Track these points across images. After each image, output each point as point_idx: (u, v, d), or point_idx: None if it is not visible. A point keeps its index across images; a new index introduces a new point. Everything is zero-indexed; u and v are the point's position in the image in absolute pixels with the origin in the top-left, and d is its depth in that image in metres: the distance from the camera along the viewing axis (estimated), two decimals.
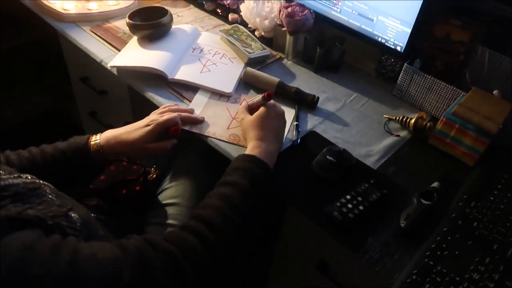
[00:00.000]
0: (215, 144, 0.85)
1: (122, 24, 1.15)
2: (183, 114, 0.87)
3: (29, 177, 0.62)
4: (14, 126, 1.84)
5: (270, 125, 0.80)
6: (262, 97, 0.81)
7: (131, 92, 1.22)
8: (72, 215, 0.59)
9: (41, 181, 0.63)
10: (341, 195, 0.74)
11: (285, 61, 1.12)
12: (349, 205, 0.72)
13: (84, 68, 1.36)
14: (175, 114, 0.85)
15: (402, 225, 0.71)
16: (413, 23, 0.92)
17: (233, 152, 0.83)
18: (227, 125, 0.89)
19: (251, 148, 0.77)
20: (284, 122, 0.84)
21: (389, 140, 0.91)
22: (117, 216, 0.90)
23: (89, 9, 1.16)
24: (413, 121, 0.91)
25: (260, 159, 0.73)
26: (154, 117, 0.84)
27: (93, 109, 1.53)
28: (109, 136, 0.82)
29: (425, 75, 0.96)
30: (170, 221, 0.85)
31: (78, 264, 0.48)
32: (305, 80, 1.05)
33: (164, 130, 0.83)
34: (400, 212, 0.73)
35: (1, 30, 1.73)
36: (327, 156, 0.79)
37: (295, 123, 0.90)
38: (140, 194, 0.91)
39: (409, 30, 0.94)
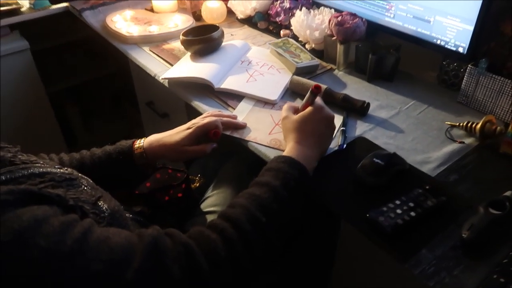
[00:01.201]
0: (255, 149, 0.82)
1: (178, 44, 1.20)
2: (225, 118, 0.86)
3: (69, 169, 0.64)
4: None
5: (313, 129, 0.75)
6: (310, 90, 0.76)
7: (189, 113, 1.26)
8: (100, 204, 0.59)
9: (80, 174, 0.65)
10: (389, 201, 0.66)
11: (336, 71, 1.08)
12: (398, 211, 0.63)
13: (149, 93, 1.45)
14: (216, 118, 0.84)
15: (465, 236, 0.60)
16: (475, 20, 0.84)
17: (275, 155, 0.79)
18: (269, 130, 0.86)
19: (288, 150, 0.72)
20: (332, 128, 0.78)
21: (451, 147, 0.80)
22: (156, 221, 0.90)
23: (150, 31, 1.24)
24: (479, 125, 0.80)
25: (295, 160, 0.68)
26: (195, 121, 0.84)
27: (157, 132, 1.60)
28: (152, 140, 0.83)
29: (494, 76, 0.85)
30: None
31: (87, 244, 0.46)
32: (356, 89, 0.99)
33: (204, 133, 0.82)
34: (463, 223, 0.63)
35: (83, 64, 1.93)
36: (374, 159, 0.71)
37: (341, 128, 0.85)
38: (182, 201, 0.90)
39: (471, 28, 0.85)
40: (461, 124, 0.84)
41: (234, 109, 0.93)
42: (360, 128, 0.86)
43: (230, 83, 0.98)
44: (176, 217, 0.91)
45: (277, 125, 0.87)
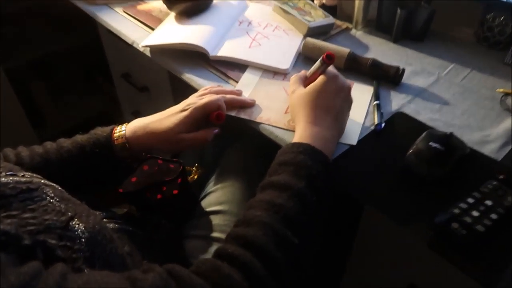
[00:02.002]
0: (269, 133, 0.65)
1: (158, 3, 0.99)
2: (228, 96, 0.68)
3: (28, 175, 0.46)
4: (64, 131, 1.78)
5: (329, 103, 0.58)
6: (320, 60, 0.60)
7: (174, 87, 1.07)
8: (75, 226, 0.42)
9: (42, 181, 0.47)
10: (458, 199, 0.50)
11: (353, 31, 0.89)
12: (475, 213, 0.48)
13: (125, 63, 1.24)
14: (218, 96, 0.66)
15: None
16: None
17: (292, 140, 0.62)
18: (284, 108, 0.69)
19: (301, 133, 0.56)
20: (350, 102, 0.62)
21: (510, 121, 0.65)
22: (149, 226, 0.73)
23: None
24: None
25: (316, 149, 0.52)
26: (191, 101, 0.65)
27: (136, 108, 1.41)
28: (137, 126, 0.65)
29: None
30: (215, 234, 0.66)
31: None
32: (382, 52, 0.82)
33: (204, 116, 0.64)
34: None
35: (46, 34, 1.68)
36: (431, 143, 0.55)
37: (375, 102, 0.68)
38: (179, 199, 0.73)
39: None
40: None
41: (237, 82, 0.74)
42: (396, 101, 0.70)
43: (228, 50, 0.79)
44: (171, 219, 0.74)
45: None
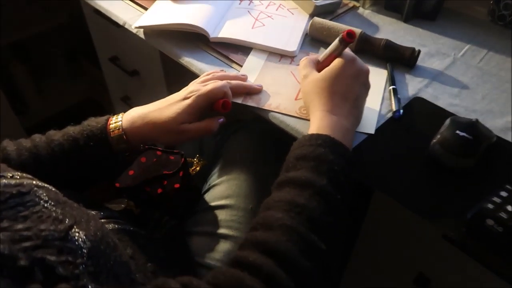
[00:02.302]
0: (280, 121, 0.60)
1: None
2: (233, 82, 0.63)
3: (17, 176, 0.41)
4: (49, 118, 1.70)
5: (347, 89, 0.53)
6: (339, 38, 0.54)
7: (166, 70, 1.00)
8: (75, 235, 0.37)
9: (34, 182, 0.41)
10: (489, 192, 0.47)
11: (361, 10, 0.84)
12: (510, 208, 0.45)
13: (112, 45, 1.16)
14: (223, 82, 0.60)
15: None
16: None
17: (305, 130, 0.58)
18: (294, 94, 0.64)
19: (318, 123, 0.51)
20: (368, 86, 0.57)
21: None
22: (151, 224, 0.68)
23: None
24: None
25: (336, 141, 0.47)
26: (194, 88, 0.60)
27: (125, 93, 1.34)
28: (135, 116, 0.59)
29: None
30: (222, 230, 0.62)
31: None
32: (393, 32, 0.77)
33: (208, 104, 0.59)
34: None
35: (27, 14, 1.57)
36: (457, 132, 0.51)
37: (391, 87, 0.63)
38: (181, 194, 0.68)
39: None
40: None
41: (241, 65, 0.69)
42: (412, 85, 0.65)
43: (230, 31, 0.73)
44: (173, 214, 0.69)
45: None
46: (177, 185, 0.68)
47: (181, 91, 0.62)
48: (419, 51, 0.68)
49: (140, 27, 0.75)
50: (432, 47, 0.73)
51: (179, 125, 0.58)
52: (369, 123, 0.59)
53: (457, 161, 0.50)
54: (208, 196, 0.68)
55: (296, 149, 0.48)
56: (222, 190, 0.66)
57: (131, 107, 1.33)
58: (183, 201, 0.70)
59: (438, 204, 0.48)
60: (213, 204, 0.66)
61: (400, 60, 0.68)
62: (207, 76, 0.64)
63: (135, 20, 0.78)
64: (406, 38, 0.75)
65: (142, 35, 0.77)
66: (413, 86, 0.65)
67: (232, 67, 0.69)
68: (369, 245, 0.71)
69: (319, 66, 0.58)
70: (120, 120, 0.59)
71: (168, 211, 0.69)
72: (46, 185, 0.43)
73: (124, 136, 0.58)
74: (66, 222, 0.37)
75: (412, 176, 0.52)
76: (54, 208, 0.38)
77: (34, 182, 0.42)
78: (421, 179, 0.51)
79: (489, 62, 0.70)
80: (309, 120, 0.59)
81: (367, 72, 0.55)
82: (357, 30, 0.70)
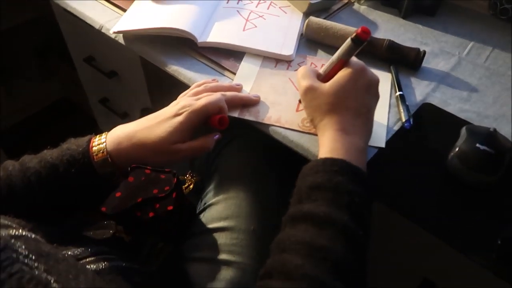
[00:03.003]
0: (282, 137, 0.55)
1: None
2: (229, 93, 0.57)
3: None
4: (19, 123, 1.59)
5: (358, 103, 0.48)
6: (353, 37, 0.47)
7: (147, 70, 0.93)
8: None
9: (11, 231, 0.36)
10: None
11: (356, 6, 0.79)
12: None
13: (88, 46, 1.07)
14: (217, 95, 0.54)
15: None
16: None
17: (311, 146, 0.53)
18: (295, 104, 0.59)
19: (331, 145, 0.46)
20: (378, 97, 0.52)
21: None
22: (145, 252, 0.62)
23: None
24: None
25: (354, 166, 0.43)
26: (186, 102, 0.54)
27: (103, 95, 1.26)
28: (120, 136, 0.53)
29: None
30: (223, 256, 0.57)
31: None
32: (392, 30, 0.73)
33: (202, 120, 0.53)
34: None
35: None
36: (478, 145, 0.47)
37: (397, 93, 0.59)
38: (175, 216, 0.63)
39: None
40: None
41: (234, 73, 0.63)
42: (419, 90, 0.61)
43: (219, 34, 0.67)
44: (168, 238, 0.64)
45: None
46: (170, 207, 0.62)
47: (170, 105, 0.55)
48: (424, 52, 0.63)
49: (118, 32, 0.68)
50: (435, 45, 0.69)
51: (171, 145, 0.52)
52: (378, 135, 0.54)
53: (479, 178, 0.46)
54: (204, 217, 0.62)
55: (308, 175, 0.43)
56: (220, 211, 0.61)
57: (110, 109, 1.26)
58: (178, 223, 0.64)
59: (463, 227, 0.45)
60: (211, 226, 0.60)
61: (404, 62, 0.64)
62: (199, 88, 0.58)
63: (112, 23, 0.71)
64: (407, 36, 0.71)
65: (121, 41, 0.70)
66: (420, 90, 0.61)
67: (225, 75, 0.63)
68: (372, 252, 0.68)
69: (324, 77, 0.52)
70: (104, 142, 0.53)
71: (162, 235, 0.63)
72: (24, 233, 0.37)
73: (110, 159, 0.52)
74: (52, 283, 0.32)
75: (431, 194, 0.48)
76: (36, 264, 0.33)
77: (10, 231, 0.36)
78: (441, 198, 0.47)
79: (496, 60, 0.67)
80: (314, 134, 0.54)
81: (377, 82, 0.50)
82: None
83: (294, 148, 0.54)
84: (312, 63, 0.65)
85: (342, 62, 0.50)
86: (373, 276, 0.68)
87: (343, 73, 0.49)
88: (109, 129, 0.55)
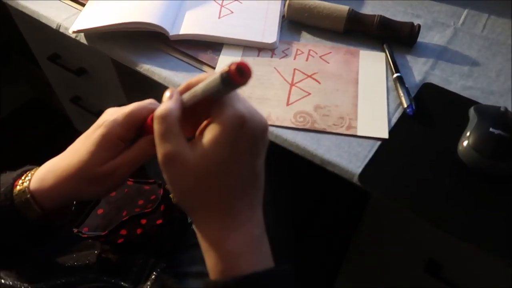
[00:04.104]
0: (275, 136, 0.50)
1: None
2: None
3: None
4: None
5: (244, 171, 0.33)
6: (222, 75, 0.29)
7: (118, 65, 0.86)
8: None
9: None
10: None
11: None
12: None
13: (50, 44, 0.98)
14: (149, 100, 0.40)
15: None
16: None
17: (308, 143, 0.48)
18: (285, 97, 0.53)
19: (220, 260, 0.33)
20: (267, 143, 0.35)
21: None
22: (135, 272, 0.57)
23: None
24: None
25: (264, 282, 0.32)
26: (110, 111, 0.41)
27: (74, 93, 1.17)
28: (45, 172, 0.41)
29: None
30: None
31: None
32: (381, 4, 0.66)
33: (131, 129, 0.40)
34: None
35: None
36: (492, 130, 0.43)
37: (395, 75, 0.54)
38: (165, 230, 0.58)
39: None
40: None
41: (213, 67, 0.57)
42: (417, 69, 0.56)
43: (193, 25, 0.60)
44: (159, 254, 0.59)
45: (293, 86, 0.54)
46: (159, 221, 0.57)
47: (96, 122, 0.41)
48: (419, 26, 0.58)
49: (78, 31, 0.61)
50: (428, 17, 0.64)
51: (99, 168, 0.39)
52: (380, 125, 0.49)
53: (497, 166, 0.42)
54: None
55: None
56: None
57: (84, 108, 1.18)
58: (170, 236, 0.59)
59: (485, 224, 0.41)
60: None
61: (397, 38, 0.58)
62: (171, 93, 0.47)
63: (71, 20, 0.63)
64: (397, 9, 0.65)
65: (83, 40, 0.63)
66: (418, 69, 0.56)
67: (203, 70, 0.57)
68: (372, 236, 0.64)
69: (185, 113, 0.34)
70: (26, 182, 0.41)
71: (153, 251, 0.58)
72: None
73: (32, 201, 0.40)
74: None
75: (445, 188, 0.44)
76: None
77: None
78: (456, 191, 0.43)
79: (493, 28, 0.62)
80: (310, 130, 0.49)
81: (265, 131, 0.33)
82: (343, 8, 0.59)
83: (288, 148, 0.49)
84: (298, 49, 0.59)
85: (211, 100, 0.33)
86: (380, 257, 0.66)
87: (214, 135, 0.32)
88: (86, 128, 0.44)
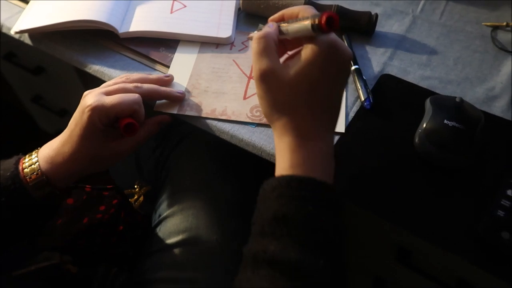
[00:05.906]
0: (230, 136, 0.48)
1: None
2: (145, 86, 0.47)
3: None
4: None
5: (329, 93, 0.37)
6: (314, 25, 0.34)
7: None
8: None
9: None
10: (494, 192, 0.40)
11: None
12: None
13: (5, 42, 0.93)
14: (134, 95, 0.45)
15: None
16: None
17: (266, 143, 0.47)
18: (242, 91, 0.51)
19: (292, 158, 0.36)
20: (348, 76, 0.45)
21: (510, 62, 0.55)
22: (96, 284, 0.55)
23: None
24: None
25: (326, 186, 0.35)
26: (90, 99, 0.44)
27: (34, 92, 1.13)
28: (51, 154, 0.46)
29: None
30: (187, 274, 0.51)
31: None
32: None
33: (107, 123, 0.45)
34: None
35: None
36: (446, 122, 0.43)
37: (353, 67, 0.53)
38: (126, 236, 0.56)
39: None
40: (509, 24, 0.58)
41: (167, 66, 0.55)
42: (375, 59, 0.55)
43: (143, 21, 0.57)
44: (122, 262, 0.57)
45: (251, 79, 0.53)
46: (120, 227, 0.55)
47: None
48: (376, 15, 0.57)
49: (21, 31, 0.57)
50: (387, 5, 0.63)
51: (106, 149, 0.46)
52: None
53: (452, 159, 0.42)
54: (161, 232, 0.55)
55: (270, 199, 0.34)
56: (177, 223, 0.54)
57: (46, 108, 1.13)
58: (131, 242, 0.57)
59: (440, 216, 0.40)
60: (169, 241, 0.54)
61: (356, 28, 0.57)
62: (120, 78, 0.49)
63: (14, 19, 0.59)
64: None
65: (28, 41, 0.59)
66: (376, 60, 0.55)
67: (157, 70, 0.55)
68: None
69: (281, 45, 0.40)
70: (35, 162, 0.45)
71: (115, 259, 0.56)
72: None
73: (45, 179, 0.45)
74: None
75: (402, 183, 0.43)
76: None
77: None
78: (411, 184, 0.43)
79: (451, 15, 0.61)
80: (266, 125, 0.48)
81: (350, 60, 0.38)
82: (299, 1, 0.57)
83: (245, 148, 0.47)
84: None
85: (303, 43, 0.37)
86: (354, 249, 0.66)
87: (311, 56, 0.36)
88: (52, 128, 0.49)
